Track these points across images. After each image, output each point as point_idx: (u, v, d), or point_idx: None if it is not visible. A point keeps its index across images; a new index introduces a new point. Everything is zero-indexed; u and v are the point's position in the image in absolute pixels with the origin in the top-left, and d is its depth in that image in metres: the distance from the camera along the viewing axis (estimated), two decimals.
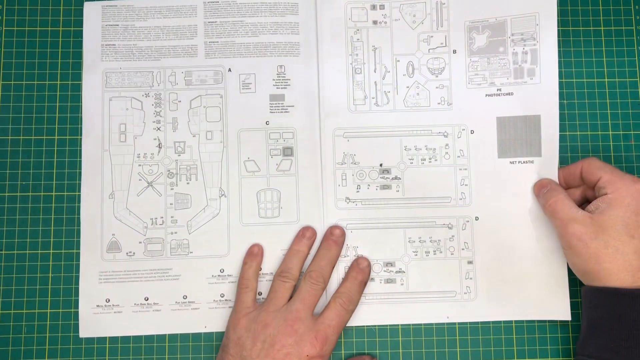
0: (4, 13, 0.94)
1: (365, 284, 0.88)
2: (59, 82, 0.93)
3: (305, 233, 0.89)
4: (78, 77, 0.93)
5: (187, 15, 0.94)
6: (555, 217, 0.83)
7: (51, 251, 0.90)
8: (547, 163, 0.89)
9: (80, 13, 0.94)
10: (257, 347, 0.81)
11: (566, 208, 0.83)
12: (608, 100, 0.93)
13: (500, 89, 0.92)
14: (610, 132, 0.93)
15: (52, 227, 0.91)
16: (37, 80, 0.93)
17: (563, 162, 0.91)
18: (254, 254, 0.89)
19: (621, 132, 0.93)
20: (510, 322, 0.90)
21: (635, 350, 0.76)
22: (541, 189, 0.87)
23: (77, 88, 0.93)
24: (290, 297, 0.85)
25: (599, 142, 0.93)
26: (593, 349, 0.80)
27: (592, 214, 0.81)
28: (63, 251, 0.90)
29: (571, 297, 0.88)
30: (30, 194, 0.91)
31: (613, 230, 0.79)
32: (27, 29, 0.94)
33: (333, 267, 0.88)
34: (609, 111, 0.93)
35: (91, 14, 0.94)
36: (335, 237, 0.88)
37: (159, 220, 0.91)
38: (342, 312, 0.84)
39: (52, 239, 0.91)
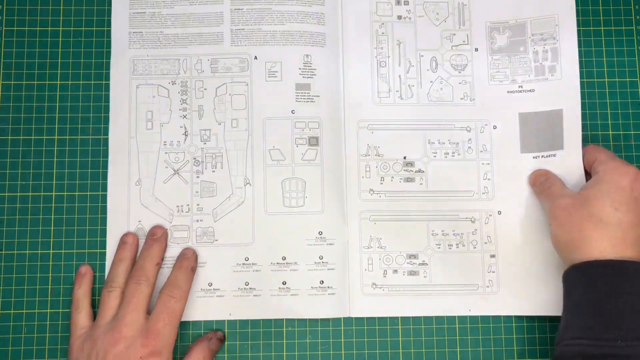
0: (4, 13, 0.89)
1: (192, 270, 0.83)
2: (58, 82, 0.88)
3: (127, 240, 0.84)
4: (81, 76, 0.89)
5: (214, 3, 0.90)
6: (547, 197, 0.82)
7: (51, 251, 0.86)
8: (570, 155, 0.86)
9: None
10: None
11: (558, 188, 0.81)
12: (608, 100, 0.90)
13: (521, 86, 0.89)
14: (610, 132, 0.90)
15: (52, 227, 0.86)
16: (37, 80, 0.88)
17: None
18: (82, 275, 0.84)
19: (621, 132, 0.90)
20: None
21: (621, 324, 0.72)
22: (538, 177, 0.85)
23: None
24: None
25: (599, 142, 0.89)
26: (576, 331, 0.75)
27: (582, 190, 0.79)
28: (63, 251, 0.86)
29: None
30: (30, 194, 0.87)
31: (597, 202, 0.77)
32: (27, 29, 0.89)
33: (157, 265, 0.83)
34: (609, 111, 0.90)
35: (119, 2, 0.90)
36: (156, 236, 0.84)
37: (184, 208, 0.86)
38: (169, 301, 0.79)
39: (52, 239, 0.86)
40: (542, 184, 0.83)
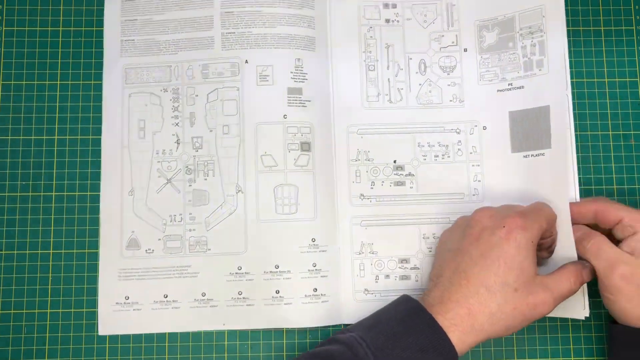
0: (4, 13, 0.83)
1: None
2: (58, 82, 0.82)
3: None
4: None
5: (204, 6, 0.81)
6: (600, 258, 0.69)
7: (51, 251, 0.79)
8: (557, 155, 0.76)
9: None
10: None
11: (610, 248, 0.69)
12: (608, 100, 0.83)
13: (511, 84, 0.80)
14: (610, 132, 0.83)
15: (52, 227, 0.79)
16: (37, 80, 0.82)
17: None
18: None
19: (621, 132, 0.83)
20: None
21: None
22: (575, 233, 0.72)
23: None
24: None
25: (599, 142, 0.83)
26: None
27: (634, 255, 0.68)
28: (63, 251, 0.79)
29: (589, 296, 0.75)
30: (30, 194, 0.80)
31: None
32: (27, 29, 0.82)
33: None
34: (609, 111, 0.83)
35: (111, 10, 0.82)
36: None
37: (177, 217, 0.78)
38: None
39: (52, 239, 0.79)
40: (584, 242, 0.71)
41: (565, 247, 0.72)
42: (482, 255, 0.66)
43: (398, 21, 0.82)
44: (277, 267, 0.77)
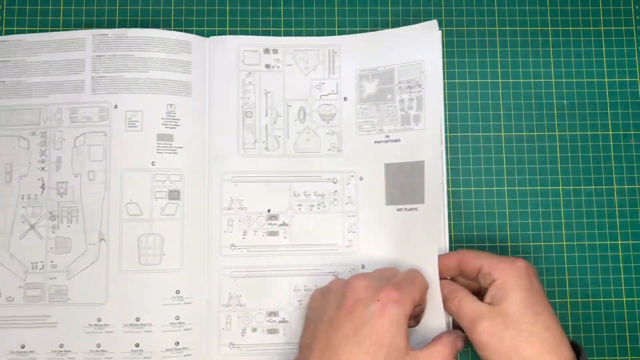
0: (4, 13, 0.82)
1: None
2: None
3: None
4: None
5: (76, 49, 0.79)
6: (462, 317, 0.68)
7: None
8: (429, 210, 0.75)
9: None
10: None
11: (470, 305, 0.67)
12: (608, 100, 0.83)
13: (388, 136, 0.78)
14: (610, 132, 0.82)
15: None
16: None
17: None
18: None
19: (621, 132, 0.82)
20: None
21: None
22: (442, 290, 0.71)
23: None
24: None
25: (599, 142, 0.82)
26: None
27: (493, 305, 0.66)
28: None
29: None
30: None
31: (518, 314, 0.64)
32: (27, 28, 0.81)
33: None
34: (609, 111, 0.82)
35: None
36: None
37: (39, 265, 0.75)
38: None
39: None
40: (446, 297, 0.70)
41: (436, 306, 0.71)
42: (354, 331, 0.63)
43: (279, 67, 0.80)
44: (137, 319, 0.74)
